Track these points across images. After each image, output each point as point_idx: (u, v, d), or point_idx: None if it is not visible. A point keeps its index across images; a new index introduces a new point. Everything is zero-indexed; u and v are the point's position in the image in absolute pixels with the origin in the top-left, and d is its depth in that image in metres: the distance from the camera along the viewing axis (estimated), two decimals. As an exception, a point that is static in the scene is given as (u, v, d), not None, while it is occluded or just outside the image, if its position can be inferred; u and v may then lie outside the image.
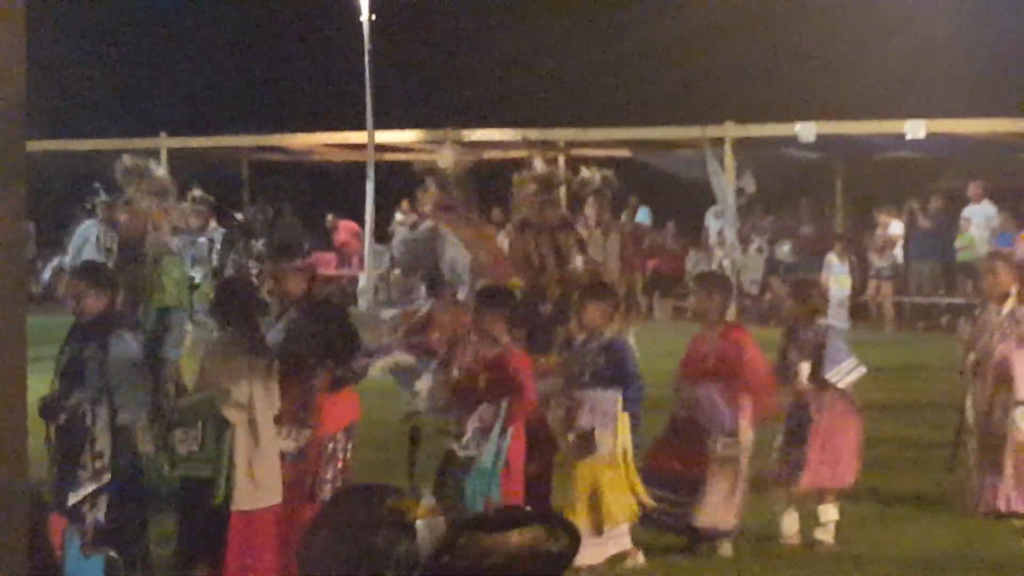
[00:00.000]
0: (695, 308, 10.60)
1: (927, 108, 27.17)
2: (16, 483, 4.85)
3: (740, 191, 27.16)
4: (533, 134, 30.87)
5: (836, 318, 25.29)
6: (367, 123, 29.47)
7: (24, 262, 4.98)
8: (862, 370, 10.12)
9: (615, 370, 9.45)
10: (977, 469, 10.78)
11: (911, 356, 20.95)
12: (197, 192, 17.93)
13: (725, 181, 27.13)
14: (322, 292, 9.34)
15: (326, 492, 8.44)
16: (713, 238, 28.39)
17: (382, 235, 29.73)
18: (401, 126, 30.59)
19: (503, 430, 8.75)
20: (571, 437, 9.32)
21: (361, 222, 29.96)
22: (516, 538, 5.74)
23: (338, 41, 33.29)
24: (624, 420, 9.27)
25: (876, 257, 26.67)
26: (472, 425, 8.77)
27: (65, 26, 32.68)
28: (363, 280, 28.99)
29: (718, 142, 27.46)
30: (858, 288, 26.22)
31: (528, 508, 7.90)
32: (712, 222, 28.62)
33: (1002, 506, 10.57)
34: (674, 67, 36.41)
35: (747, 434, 9.71)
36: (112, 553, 7.70)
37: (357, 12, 30.28)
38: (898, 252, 26.88)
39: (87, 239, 16.89)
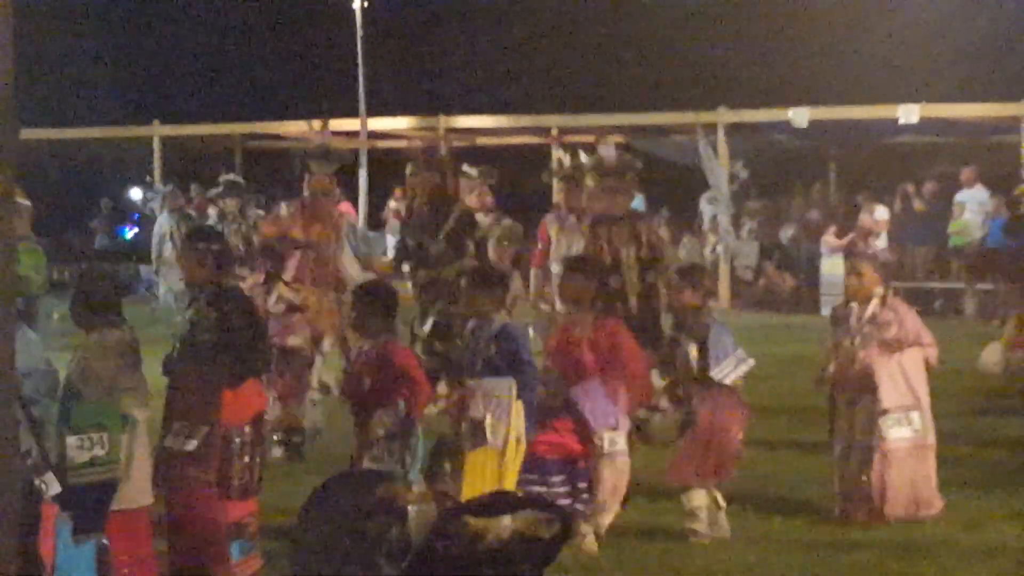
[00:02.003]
0: (565, 294, 10.17)
1: (921, 93, 27.22)
2: (10, 471, 4.84)
3: (733, 176, 27.18)
4: (525, 120, 31.18)
5: (831, 303, 25.37)
6: (360, 110, 29.47)
7: (14, 250, 4.96)
8: (749, 363, 9.93)
9: (508, 357, 9.10)
10: (841, 479, 10.31)
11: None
12: (230, 176, 18.21)
13: (718, 166, 27.13)
14: (230, 280, 8.94)
15: (237, 489, 8.17)
16: (707, 224, 28.38)
17: (376, 222, 29.74)
18: (394, 113, 30.60)
19: (412, 431, 8.52)
20: (463, 426, 8.98)
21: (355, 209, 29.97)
22: (507, 523, 5.75)
23: (331, 28, 33.30)
24: (518, 408, 8.96)
25: (861, 243, 26.64)
26: (378, 433, 8.44)
27: (56, 14, 32.63)
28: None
29: (711, 127, 27.47)
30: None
31: (520, 493, 7.88)
32: (706, 208, 28.61)
33: (862, 516, 10.14)
34: (667, 53, 36.41)
35: (626, 426, 9.54)
36: (104, 540, 7.69)
37: (349, -1, 30.30)
38: (883, 238, 26.84)
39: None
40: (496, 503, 6.02)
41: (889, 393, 10.06)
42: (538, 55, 37.45)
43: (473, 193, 14.85)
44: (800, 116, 27.07)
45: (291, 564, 6.32)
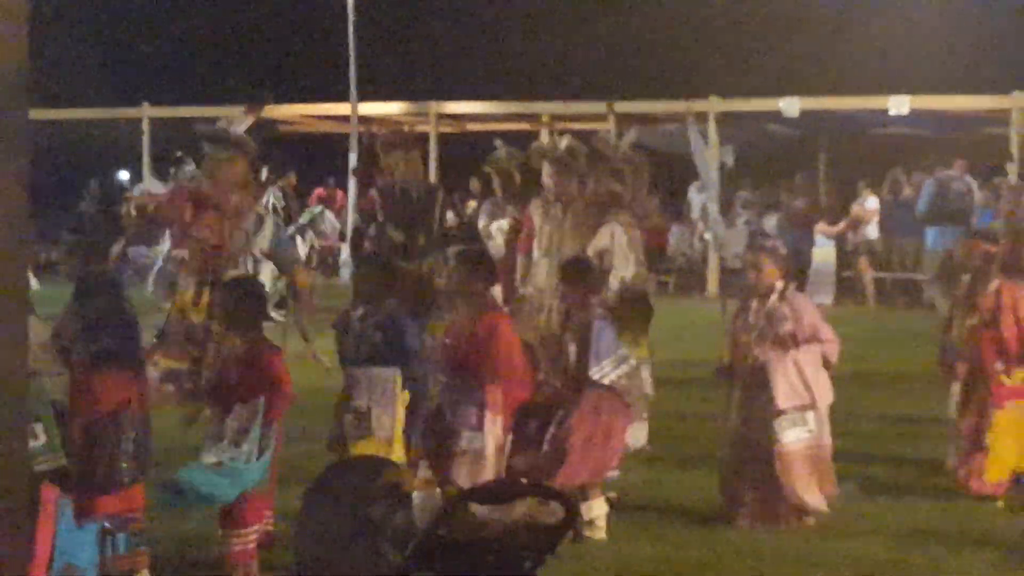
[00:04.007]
0: (452, 288, 9.93)
1: (911, 84, 27.27)
2: (16, 454, 4.85)
3: (722, 165, 27.20)
4: (516, 107, 31.17)
5: (821, 292, 25.43)
6: (351, 95, 29.43)
7: (27, 233, 4.97)
8: (631, 364, 9.84)
9: (393, 347, 9.03)
10: (735, 481, 10.04)
11: (891, 331, 21.08)
12: (179, 153, 17.94)
13: (708, 156, 27.11)
14: (100, 267, 8.69)
15: (99, 481, 7.82)
16: (696, 212, 28.42)
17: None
18: (385, 98, 30.57)
19: (264, 429, 8.22)
20: (347, 416, 8.88)
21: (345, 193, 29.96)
22: (512, 510, 5.78)
23: (322, 12, 33.23)
24: (404, 400, 8.90)
25: (851, 233, 26.73)
26: (231, 427, 8.17)
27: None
28: (345, 252, 28.93)
29: (702, 117, 27.48)
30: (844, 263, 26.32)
31: (524, 481, 7.88)
32: (695, 196, 28.65)
33: (750, 523, 9.88)
34: (659, 41, 36.40)
35: (494, 426, 9.19)
36: (106, 524, 7.70)
37: (342, -17, 30.22)
38: (873, 227, 26.91)
39: None
40: (501, 490, 6.06)
41: (784, 392, 9.77)
42: (530, 42, 37.43)
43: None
44: (791, 106, 27.13)
45: (294, 550, 6.33)
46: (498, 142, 14.03)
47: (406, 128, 29.44)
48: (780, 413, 9.74)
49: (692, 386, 14.40)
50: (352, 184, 29.03)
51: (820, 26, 34.42)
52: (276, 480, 8.79)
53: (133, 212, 13.11)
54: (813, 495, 9.86)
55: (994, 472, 10.49)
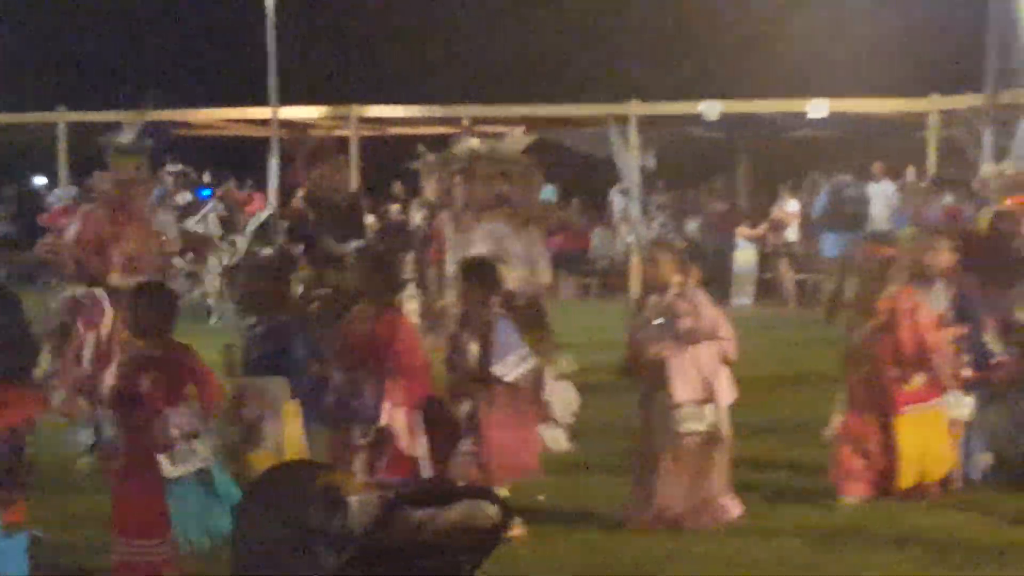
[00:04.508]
0: (352, 285, 10.03)
1: (831, 88, 27.51)
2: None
3: (643, 168, 27.31)
4: (437, 111, 31.15)
5: (742, 295, 25.62)
6: (271, 98, 29.27)
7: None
8: (532, 362, 9.87)
9: (282, 357, 8.98)
10: (635, 474, 10.11)
11: (811, 333, 21.17)
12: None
13: (630, 159, 27.24)
14: None
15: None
16: (618, 215, 28.52)
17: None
18: (305, 102, 30.45)
19: (208, 428, 8.19)
20: (235, 428, 8.76)
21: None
22: (449, 513, 5.76)
23: (242, 16, 33.04)
24: (294, 410, 8.83)
25: (772, 235, 26.93)
26: (176, 434, 8.02)
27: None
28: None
29: (623, 120, 27.58)
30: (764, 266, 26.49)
31: (461, 484, 7.88)
32: (617, 199, 28.75)
33: (652, 519, 9.90)
34: (580, 45, 36.50)
35: (396, 422, 9.15)
36: (37, 532, 7.63)
37: (261, -13, 30.09)
38: (793, 230, 27.12)
39: None
40: (437, 493, 6.04)
41: (681, 386, 9.82)
42: (450, 45, 37.42)
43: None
44: (711, 109, 27.29)
45: (231, 557, 6.29)
46: (421, 147, 13.97)
47: (325, 133, 29.40)
48: (678, 406, 9.80)
49: (618, 389, 14.40)
50: (273, 188, 28.96)
51: (740, 30, 34.64)
52: None
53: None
54: (714, 487, 9.92)
55: (907, 477, 10.49)
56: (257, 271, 9.71)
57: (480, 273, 10.19)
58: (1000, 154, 22.71)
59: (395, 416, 9.10)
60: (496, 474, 9.53)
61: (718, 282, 25.56)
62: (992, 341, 10.86)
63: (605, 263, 28.79)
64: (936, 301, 10.84)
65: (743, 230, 25.97)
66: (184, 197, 17.68)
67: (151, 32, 39.60)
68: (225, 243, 22.53)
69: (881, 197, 25.77)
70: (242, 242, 17.88)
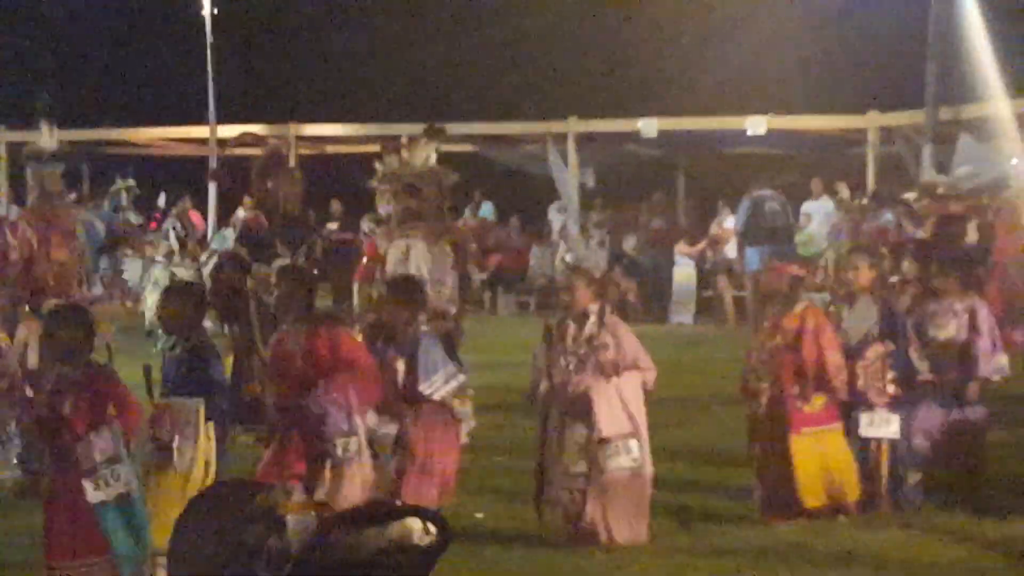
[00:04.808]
0: (277, 302, 10.12)
1: (768, 105, 27.67)
2: None
3: (582, 186, 27.41)
4: (375, 129, 31.13)
5: (682, 312, 25.64)
6: (209, 117, 29.22)
7: None
8: (460, 379, 9.89)
9: (198, 377, 8.83)
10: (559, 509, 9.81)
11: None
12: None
13: (568, 176, 27.35)
14: None
15: None
16: (556, 233, 28.55)
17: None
18: (243, 120, 30.36)
19: (130, 453, 8.05)
20: (149, 446, 8.61)
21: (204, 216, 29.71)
22: (386, 532, 5.76)
23: (181, 35, 32.97)
24: (209, 432, 8.68)
25: (711, 252, 26.98)
26: (100, 459, 7.89)
27: None
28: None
29: (561, 137, 27.67)
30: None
31: (398, 502, 7.86)
32: (555, 217, 28.78)
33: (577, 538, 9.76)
34: (518, 63, 36.55)
35: (367, 425, 9.28)
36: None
37: (199, 6, 30.04)
38: (732, 247, 27.17)
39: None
40: (374, 512, 6.03)
41: (607, 421, 9.63)
42: (388, 63, 37.38)
43: None
44: (649, 127, 27.39)
45: (168, 573, 6.26)
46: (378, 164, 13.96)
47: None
48: (604, 441, 9.61)
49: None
50: (212, 206, 28.89)
51: (678, 47, 34.74)
52: None
53: None
54: (628, 525, 9.72)
55: (809, 499, 10.35)
56: (176, 293, 9.54)
57: (407, 291, 10.26)
58: (939, 170, 23.00)
59: (357, 424, 9.20)
60: (423, 493, 9.55)
61: (658, 300, 25.70)
62: (917, 358, 10.80)
63: (543, 281, 28.76)
64: (861, 318, 10.79)
65: (682, 247, 26.02)
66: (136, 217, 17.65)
67: (89, 50, 39.35)
68: (183, 259, 22.55)
69: (820, 214, 25.87)
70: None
